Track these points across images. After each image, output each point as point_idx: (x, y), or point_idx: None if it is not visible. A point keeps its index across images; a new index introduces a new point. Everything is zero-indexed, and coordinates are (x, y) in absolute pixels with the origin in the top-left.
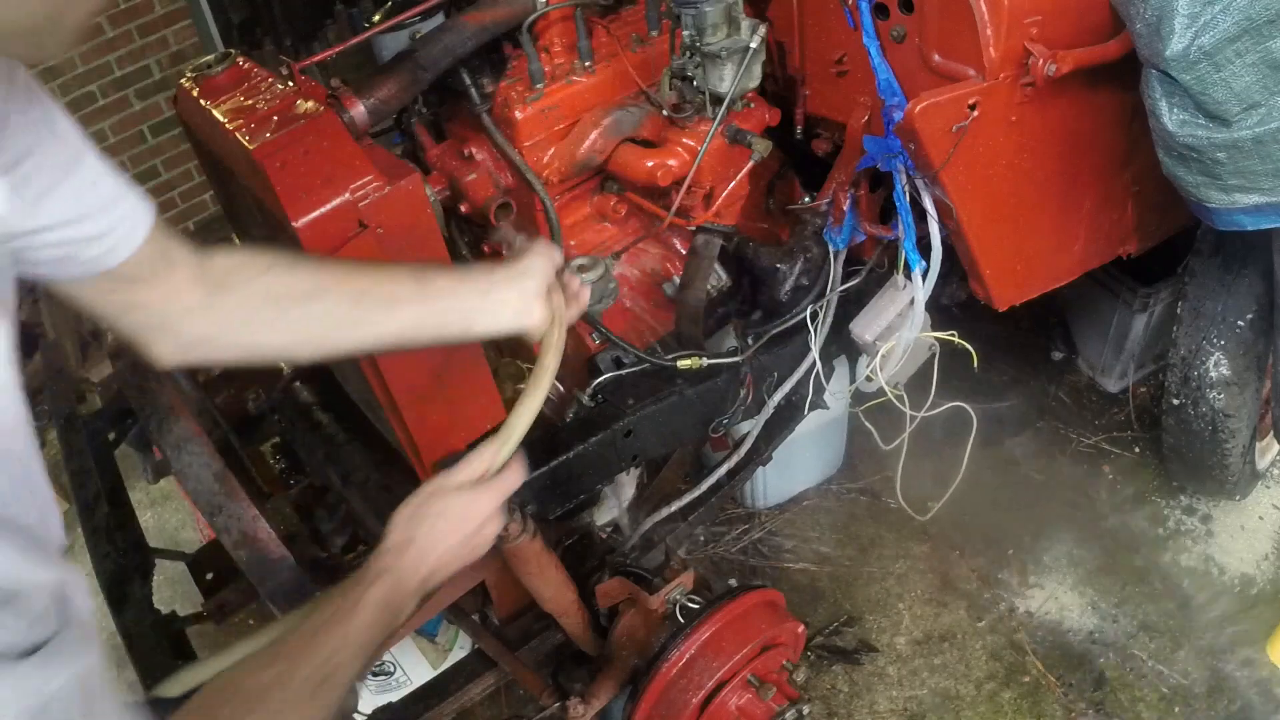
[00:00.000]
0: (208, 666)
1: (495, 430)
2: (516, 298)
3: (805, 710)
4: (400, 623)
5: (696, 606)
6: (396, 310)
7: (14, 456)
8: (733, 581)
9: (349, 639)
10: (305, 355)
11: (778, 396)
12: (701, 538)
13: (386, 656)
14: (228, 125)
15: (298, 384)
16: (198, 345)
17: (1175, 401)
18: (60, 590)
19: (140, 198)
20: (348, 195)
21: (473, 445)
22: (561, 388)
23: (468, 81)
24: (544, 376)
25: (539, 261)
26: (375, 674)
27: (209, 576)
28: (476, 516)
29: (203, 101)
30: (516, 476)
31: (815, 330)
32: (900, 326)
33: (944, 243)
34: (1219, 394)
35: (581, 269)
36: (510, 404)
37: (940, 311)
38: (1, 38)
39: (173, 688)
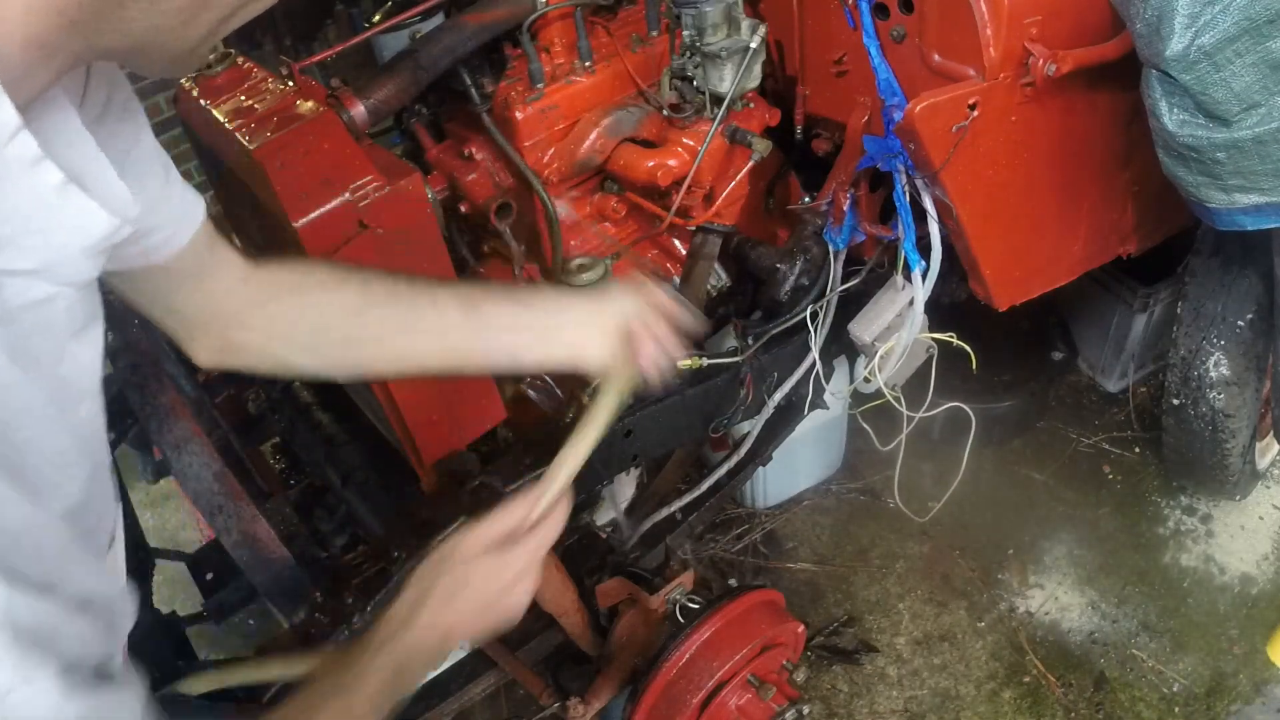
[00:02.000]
0: (231, 672)
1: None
2: (574, 330)
3: (805, 710)
4: (413, 687)
5: (696, 606)
6: (443, 339)
7: (102, 467)
8: (733, 581)
9: (351, 714)
10: (343, 377)
11: (778, 396)
12: (701, 537)
13: None
14: (228, 125)
15: (298, 384)
16: (237, 351)
17: (1175, 401)
18: (112, 607)
19: (193, 192)
20: (348, 195)
21: (474, 447)
22: (559, 391)
23: (468, 81)
24: (593, 427)
25: (627, 301)
26: None
27: (209, 576)
28: (505, 579)
29: (203, 101)
30: (555, 528)
31: (815, 330)
32: (899, 327)
33: (944, 243)
34: (1219, 394)
35: (581, 269)
36: (510, 405)
37: (939, 312)
38: (151, 62)
39: (193, 686)
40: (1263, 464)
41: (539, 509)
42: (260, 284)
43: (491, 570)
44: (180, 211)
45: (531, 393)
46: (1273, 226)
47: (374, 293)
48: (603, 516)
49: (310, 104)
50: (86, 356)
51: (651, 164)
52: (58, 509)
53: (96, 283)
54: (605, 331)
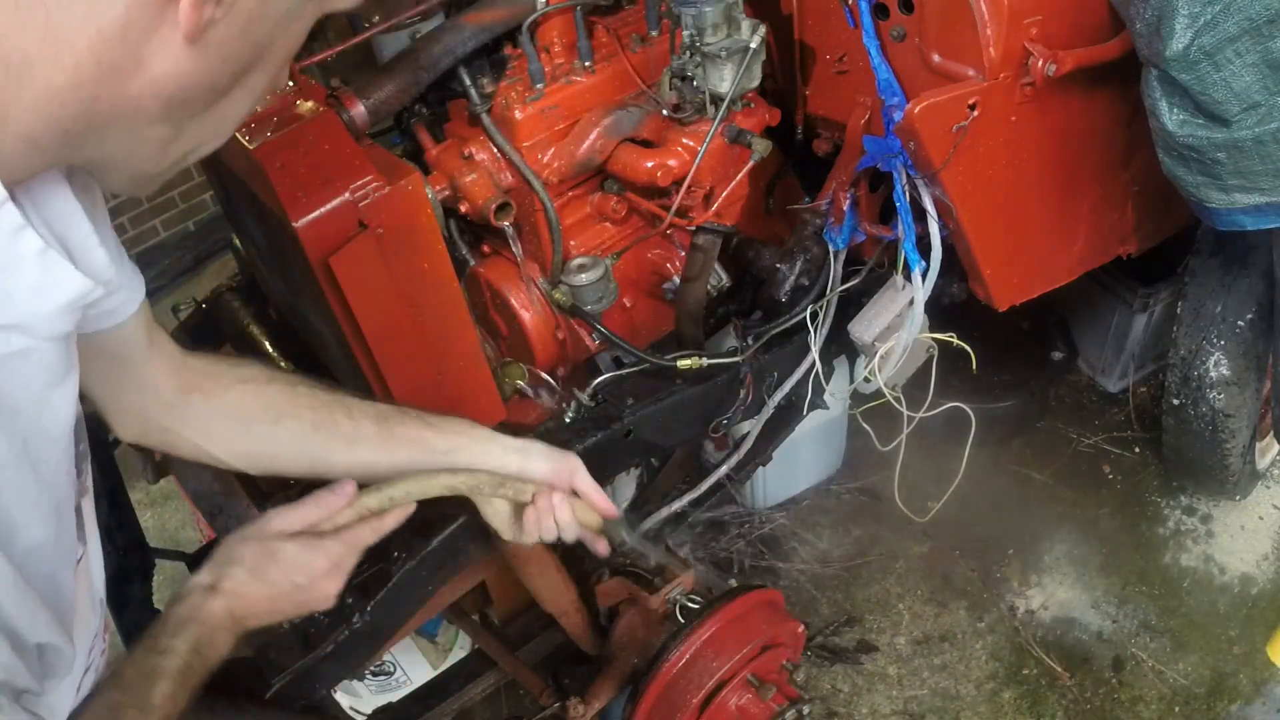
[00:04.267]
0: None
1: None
2: (476, 453)
3: (805, 710)
4: (218, 660)
5: (696, 606)
6: (355, 448)
7: (66, 504)
8: (733, 581)
9: (153, 701)
10: (259, 471)
11: (778, 396)
12: (701, 537)
13: (386, 656)
14: None
15: None
16: (158, 434)
17: (1175, 401)
18: (50, 653)
19: (136, 273)
20: (348, 195)
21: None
22: (559, 390)
23: (468, 81)
24: (444, 481)
25: (543, 462)
26: (375, 674)
27: None
28: (318, 568)
29: None
30: (373, 536)
31: (815, 330)
32: (899, 327)
33: (944, 243)
34: (1219, 394)
35: (581, 269)
36: (509, 405)
37: (939, 312)
38: (117, 177)
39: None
40: (1263, 464)
41: (362, 509)
42: (190, 373)
43: (304, 555)
44: (126, 285)
45: (530, 392)
46: (1273, 226)
47: (298, 396)
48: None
49: (310, 104)
50: (62, 406)
51: (651, 164)
52: (16, 550)
53: (73, 337)
54: (505, 454)
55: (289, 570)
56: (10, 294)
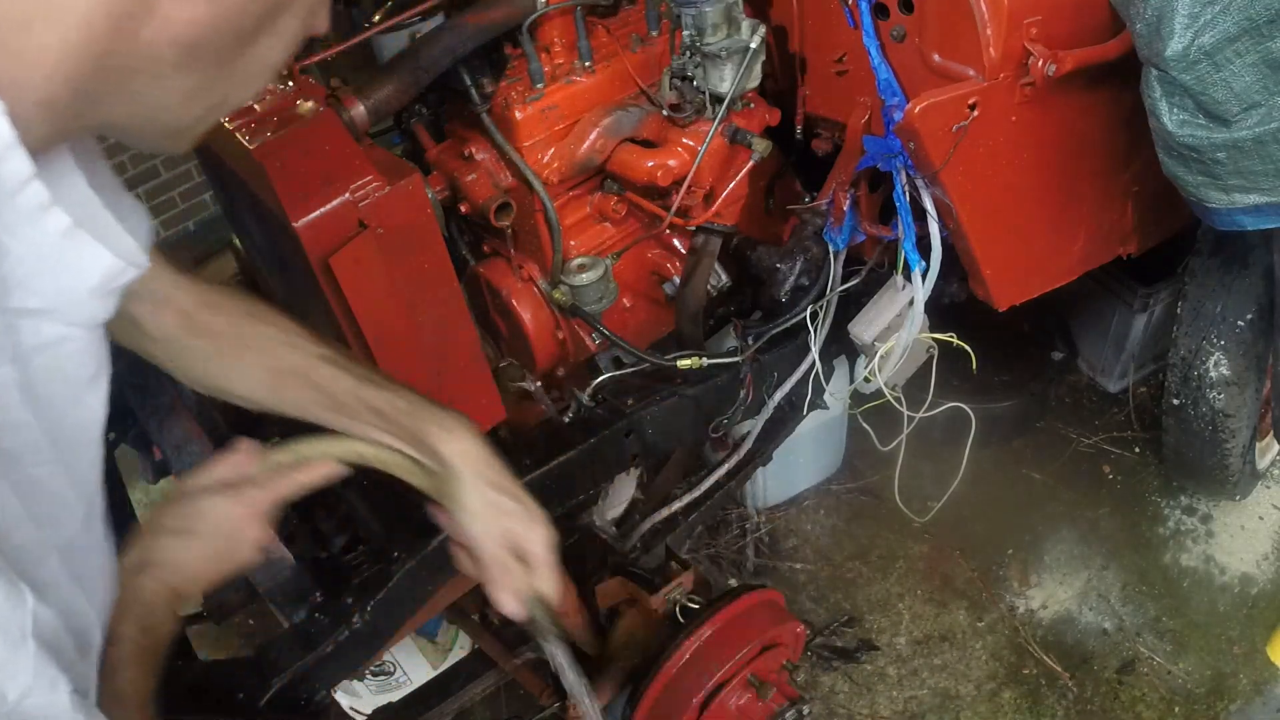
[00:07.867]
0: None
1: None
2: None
3: (805, 710)
4: (169, 634)
5: (697, 607)
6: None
7: (95, 512)
8: (733, 581)
9: (123, 690)
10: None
11: (778, 396)
12: (701, 537)
13: (386, 656)
14: (228, 125)
15: None
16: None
17: (1175, 401)
18: (92, 643)
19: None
20: (348, 195)
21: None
22: (536, 387)
23: (468, 81)
24: (378, 455)
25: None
26: (375, 674)
27: None
28: (229, 518)
29: None
30: (287, 486)
31: (815, 330)
32: (899, 327)
33: (944, 243)
34: (1219, 394)
35: (581, 269)
36: (510, 405)
37: (939, 312)
38: (146, 137)
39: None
40: (1263, 464)
41: (274, 464)
42: (190, 314)
43: (222, 503)
44: (136, 222)
45: (532, 391)
46: (1273, 226)
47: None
48: (603, 516)
49: (310, 104)
50: (95, 405)
51: (651, 164)
52: (56, 542)
53: (105, 332)
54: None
55: (211, 521)
56: (39, 276)
